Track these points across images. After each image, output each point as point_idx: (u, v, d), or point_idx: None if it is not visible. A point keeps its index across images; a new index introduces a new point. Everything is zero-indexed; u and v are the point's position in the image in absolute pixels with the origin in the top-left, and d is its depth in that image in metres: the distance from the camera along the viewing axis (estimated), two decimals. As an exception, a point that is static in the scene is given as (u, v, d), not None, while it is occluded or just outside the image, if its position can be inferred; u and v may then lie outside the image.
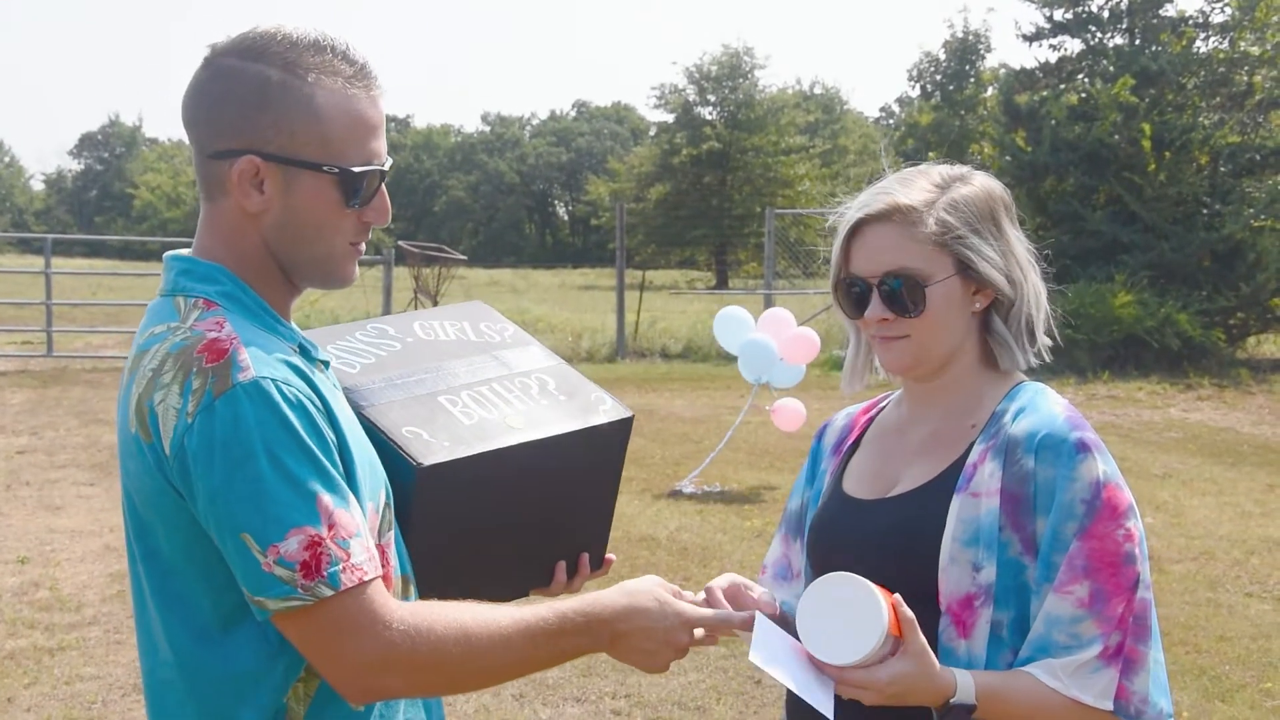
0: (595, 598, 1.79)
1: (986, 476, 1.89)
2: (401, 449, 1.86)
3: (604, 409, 2.08)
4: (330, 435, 1.68)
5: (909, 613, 1.76)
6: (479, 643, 1.68)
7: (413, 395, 1.98)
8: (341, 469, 1.68)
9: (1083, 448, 1.87)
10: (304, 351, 1.79)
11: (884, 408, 2.17)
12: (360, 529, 1.65)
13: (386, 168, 1.81)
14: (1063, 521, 1.84)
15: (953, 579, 1.86)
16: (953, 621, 1.85)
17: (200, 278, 1.76)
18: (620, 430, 2.09)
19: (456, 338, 2.16)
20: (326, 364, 1.86)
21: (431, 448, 1.87)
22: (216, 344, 1.64)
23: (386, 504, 1.79)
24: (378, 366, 2.03)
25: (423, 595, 1.92)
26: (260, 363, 1.64)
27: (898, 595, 1.76)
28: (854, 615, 1.74)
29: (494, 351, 2.15)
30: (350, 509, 1.65)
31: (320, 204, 1.75)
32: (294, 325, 1.84)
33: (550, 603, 1.76)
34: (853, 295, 1.99)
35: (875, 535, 1.95)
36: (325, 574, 1.59)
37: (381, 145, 1.80)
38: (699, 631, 1.86)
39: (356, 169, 1.75)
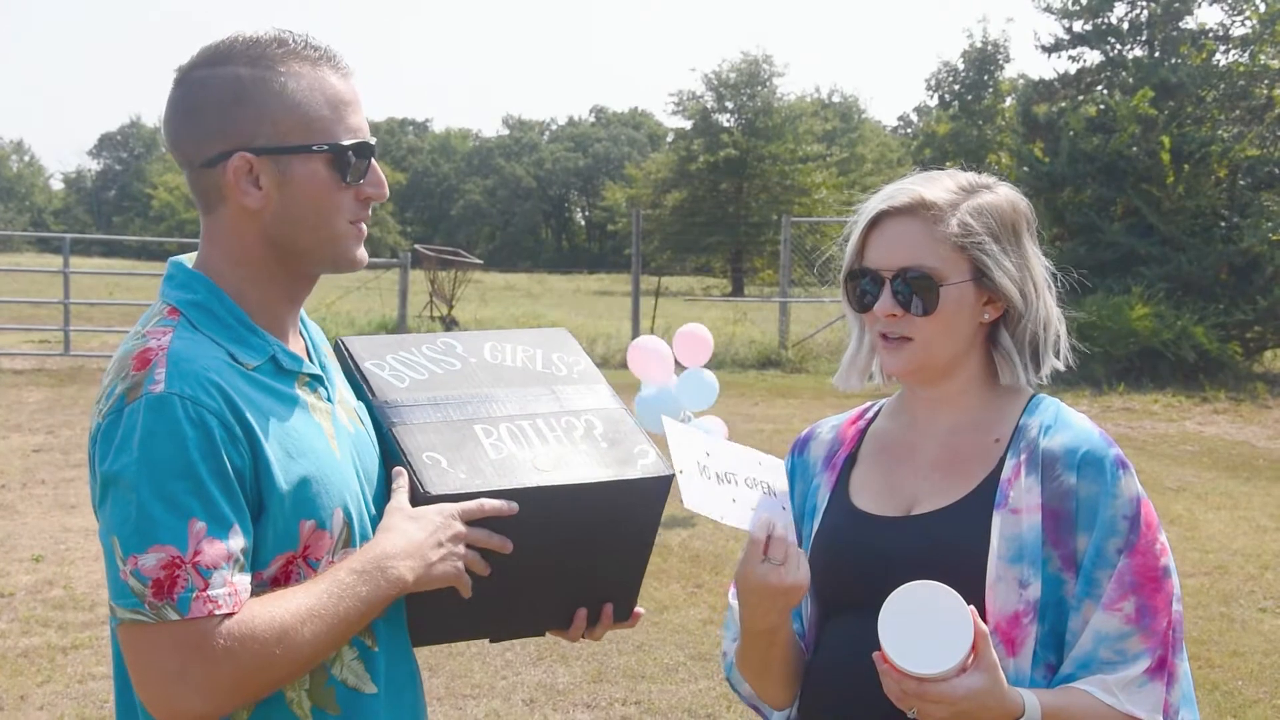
0: (370, 545, 1.74)
1: (1024, 492, 1.86)
2: (415, 473, 1.83)
3: (643, 464, 1.94)
4: (239, 458, 1.65)
5: (983, 625, 1.71)
6: (296, 632, 1.63)
7: (448, 419, 1.92)
8: (243, 494, 1.66)
9: (1122, 465, 1.87)
10: (276, 364, 1.78)
11: (872, 419, 2.10)
12: (229, 562, 1.62)
13: (373, 141, 1.82)
14: (1106, 538, 1.82)
15: (1000, 597, 1.82)
16: (1001, 640, 1.81)
17: (179, 285, 1.79)
18: (658, 487, 1.95)
19: (522, 365, 2.08)
20: (318, 378, 1.84)
21: (445, 477, 1.82)
22: (147, 353, 1.68)
23: (346, 522, 1.77)
24: (427, 384, 1.97)
25: (429, 621, 1.91)
26: (176, 378, 1.65)
27: (972, 607, 1.70)
28: (941, 625, 1.69)
29: (554, 385, 2.05)
30: (229, 539, 1.62)
31: (316, 185, 1.76)
32: (275, 337, 1.80)
33: (344, 562, 1.71)
34: (862, 288, 1.95)
35: (908, 553, 1.88)
36: (176, 597, 1.59)
37: (362, 121, 1.81)
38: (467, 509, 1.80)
39: (345, 143, 1.77)
